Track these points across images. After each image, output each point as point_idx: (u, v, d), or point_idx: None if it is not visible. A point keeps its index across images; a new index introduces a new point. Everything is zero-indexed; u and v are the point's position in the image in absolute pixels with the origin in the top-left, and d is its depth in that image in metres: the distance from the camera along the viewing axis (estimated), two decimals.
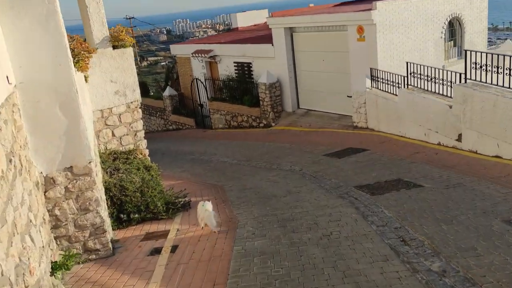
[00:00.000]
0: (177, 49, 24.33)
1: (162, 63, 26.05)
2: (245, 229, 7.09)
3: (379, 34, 14.62)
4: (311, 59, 17.55)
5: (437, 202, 7.20)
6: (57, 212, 6.14)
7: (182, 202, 9.02)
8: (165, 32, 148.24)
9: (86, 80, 8.57)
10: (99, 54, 9.32)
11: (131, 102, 9.78)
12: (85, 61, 6.33)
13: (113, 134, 9.62)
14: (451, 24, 17.30)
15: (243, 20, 25.49)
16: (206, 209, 7.26)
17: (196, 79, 21.89)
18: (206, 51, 21.22)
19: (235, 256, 5.95)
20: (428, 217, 6.55)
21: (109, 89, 9.46)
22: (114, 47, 9.56)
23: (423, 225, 6.25)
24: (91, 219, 6.37)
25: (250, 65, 19.88)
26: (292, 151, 13.78)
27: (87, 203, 6.31)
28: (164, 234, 7.43)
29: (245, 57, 19.84)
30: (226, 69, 20.50)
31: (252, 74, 19.85)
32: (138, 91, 9.86)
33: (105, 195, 8.20)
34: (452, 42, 17.51)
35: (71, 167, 6.11)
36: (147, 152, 10.26)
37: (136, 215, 8.34)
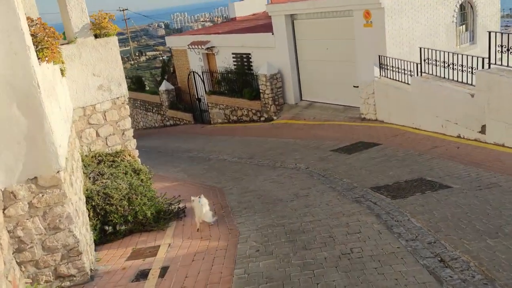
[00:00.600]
0: (173, 41, 23.13)
1: (160, 58, 24.89)
2: (247, 244, 5.98)
3: (388, 19, 13.42)
4: (314, 48, 16.36)
5: (473, 207, 6.07)
6: (20, 232, 5.03)
7: (175, 210, 7.92)
8: (163, 27, 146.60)
9: (62, 74, 7.42)
10: (78, 44, 8.18)
11: (117, 98, 8.64)
12: (52, 49, 5.21)
13: (98, 134, 8.49)
14: (462, 7, 16.08)
15: (241, 10, 24.24)
16: (201, 204, 7.08)
17: (193, 72, 20.71)
18: (202, 43, 20.03)
19: (236, 284, 4.84)
20: (467, 227, 5.43)
21: (92, 83, 8.32)
22: (96, 36, 8.40)
23: (462, 238, 5.13)
24: (62, 240, 5.26)
25: (249, 56, 18.70)
26: (296, 147, 12.65)
27: (57, 221, 5.19)
28: (154, 252, 6.32)
29: (244, 47, 18.65)
30: (224, 61, 19.31)
31: (251, 66, 18.68)
32: (124, 85, 8.72)
33: (87, 204, 7.10)
34: (463, 26, 16.30)
35: (35, 178, 4.99)
36: (136, 153, 9.13)
37: (123, 227, 7.24)
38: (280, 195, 8.24)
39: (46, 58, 5.24)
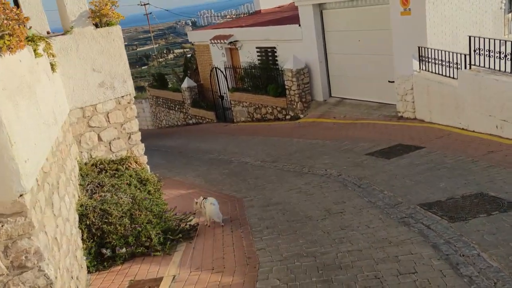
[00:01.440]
0: (195, 36, 21.94)
1: (188, 55, 23.99)
2: (269, 283, 4.66)
3: (429, 6, 11.83)
4: (344, 40, 14.88)
5: None
6: None
7: (186, 228, 6.66)
8: (190, 24, 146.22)
9: (53, 69, 6.23)
10: (75, 35, 6.99)
11: (122, 97, 7.43)
12: (18, 36, 4.02)
13: (100, 138, 7.30)
14: None
15: (266, 2, 22.84)
16: (211, 202, 6.83)
17: (216, 68, 19.47)
18: (225, 37, 18.75)
19: None
20: None
21: (92, 80, 7.12)
22: (97, 26, 7.21)
23: None
24: (30, 281, 4.05)
25: (274, 50, 17.32)
26: (326, 149, 11.25)
27: (23, 257, 3.98)
28: (155, 286, 5.08)
29: (269, 41, 17.28)
30: (248, 56, 17.99)
31: (276, 60, 17.30)
32: (130, 82, 7.49)
33: (81, 224, 5.92)
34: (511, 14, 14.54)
35: None
36: (144, 159, 7.92)
37: (123, 250, 6.03)
38: (309, 211, 6.88)
39: (10, 48, 4.01)
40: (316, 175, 9.24)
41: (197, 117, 21.22)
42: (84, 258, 5.70)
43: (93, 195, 6.35)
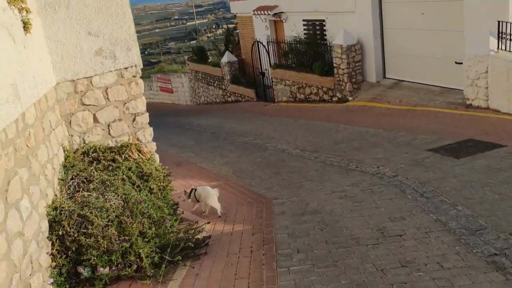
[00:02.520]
0: (237, 7, 20.11)
1: (231, 27, 22.37)
2: None
3: None
4: (404, 12, 12.68)
5: None
6: None
7: (193, 241, 5.06)
8: None
9: (26, 29, 4.68)
10: None
11: (125, 69, 5.83)
12: None
13: (96, 119, 5.77)
14: None
15: None
16: (208, 192, 6.32)
17: (258, 42, 17.62)
18: (270, 7, 16.85)
19: None
20: None
21: (86, 46, 5.56)
22: None
23: None
24: None
25: (323, 23, 15.30)
26: (378, 140, 9.34)
27: None
28: None
29: (317, 13, 15.25)
30: (293, 29, 16.03)
31: (325, 35, 15.28)
32: (136, 50, 5.88)
33: (50, 234, 4.45)
34: None
35: None
36: (153, 147, 6.34)
37: (106, 270, 4.53)
38: (356, 228, 5.12)
39: None
40: (365, 173, 7.42)
41: (236, 94, 19.58)
42: (50, 281, 4.23)
43: (75, 195, 4.85)
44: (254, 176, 8.29)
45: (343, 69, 13.72)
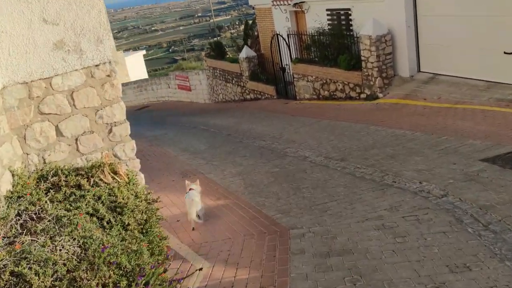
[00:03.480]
0: None
1: (250, 21, 20.96)
2: None
3: None
4: None
5: None
6: None
7: None
8: None
9: None
10: None
11: (96, 66, 4.47)
12: None
13: (59, 132, 4.44)
14: None
15: None
16: (192, 199, 5.85)
17: (278, 35, 16.11)
18: None
19: None
20: None
21: (42, 38, 4.22)
22: None
23: None
24: None
25: (349, 12, 13.69)
26: (417, 146, 7.78)
27: None
28: None
29: (342, 1, 13.66)
30: (316, 20, 14.47)
31: (351, 25, 13.69)
32: (110, 43, 4.50)
33: None
34: None
35: None
36: (136, 164, 4.96)
37: None
38: (402, 285, 3.64)
39: None
40: (405, 191, 5.91)
41: (255, 91, 18.14)
42: None
43: (16, 240, 3.52)
44: (269, 193, 6.86)
45: (372, 63, 12.12)
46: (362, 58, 12.38)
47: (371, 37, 11.87)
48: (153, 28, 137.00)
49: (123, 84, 31.17)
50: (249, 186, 7.38)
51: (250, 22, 20.98)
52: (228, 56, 20.73)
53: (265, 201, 6.49)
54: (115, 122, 4.67)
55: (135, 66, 38.66)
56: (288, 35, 15.41)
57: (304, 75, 14.83)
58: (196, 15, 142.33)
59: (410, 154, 7.43)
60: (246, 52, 18.17)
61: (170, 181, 8.59)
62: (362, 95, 12.76)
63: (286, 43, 15.45)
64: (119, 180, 4.41)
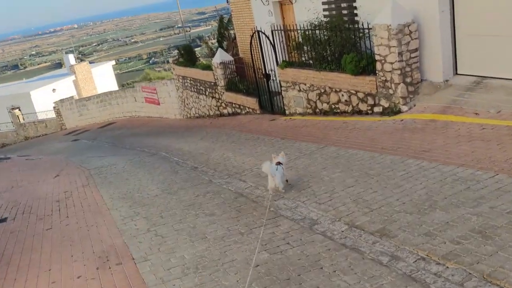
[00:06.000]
0: None
1: (225, 19, 17.45)
2: None
3: None
4: None
5: None
6: None
7: None
8: None
9: None
10: None
11: None
12: None
13: None
14: None
15: None
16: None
17: (259, 32, 12.35)
18: None
19: None
20: None
21: None
22: None
23: None
24: None
25: None
26: (503, 203, 4.10)
27: None
28: None
29: None
30: (309, 10, 10.84)
31: (355, 15, 10.07)
32: None
33: None
34: None
35: None
36: None
37: None
38: None
39: None
40: None
41: (233, 105, 14.38)
42: None
43: None
44: None
45: (391, 63, 8.46)
46: (377, 57, 8.72)
47: (391, 27, 8.22)
48: (132, 40, 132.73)
49: (85, 98, 27.14)
50: None
51: (226, 20, 17.21)
52: (200, 62, 16.94)
53: None
54: None
55: (104, 78, 34.67)
56: (272, 31, 11.67)
57: (295, 83, 11.12)
58: (176, 26, 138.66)
59: (501, 221, 3.74)
60: (220, 56, 14.42)
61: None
62: (377, 108, 9.10)
63: (270, 43, 11.72)
64: None
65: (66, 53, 43.79)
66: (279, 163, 6.04)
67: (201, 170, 8.72)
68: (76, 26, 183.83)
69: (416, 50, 8.52)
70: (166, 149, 11.93)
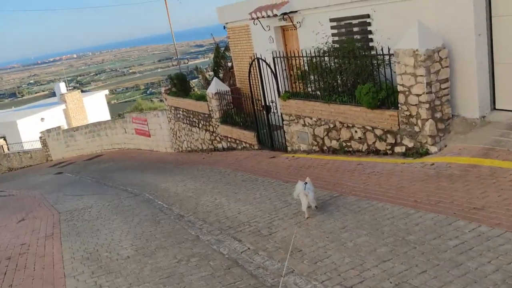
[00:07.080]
0: (228, 14, 13.65)
1: (222, 47, 16.47)
2: None
3: None
4: None
5: None
6: None
7: None
8: None
9: None
10: None
11: None
12: None
13: None
14: None
15: None
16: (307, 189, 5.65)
17: (259, 59, 10.95)
18: (275, 6, 10.37)
19: None
20: None
21: None
22: None
23: None
24: None
25: (367, 21, 8.74)
26: None
27: None
28: None
29: (356, 4, 8.74)
30: (317, 34, 9.50)
31: (370, 40, 8.71)
32: None
33: None
34: None
35: None
36: None
37: None
38: None
39: None
40: None
41: (228, 138, 12.87)
42: None
43: None
44: None
45: (418, 95, 7.01)
46: (399, 88, 7.27)
47: (418, 52, 6.80)
48: (130, 71, 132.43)
49: (73, 129, 25.60)
50: None
51: (223, 49, 15.87)
52: (193, 92, 15.52)
53: None
54: None
55: (96, 107, 33.30)
56: (273, 59, 10.26)
57: (299, 116, 9.65)
58: (174, 58, 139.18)
59: None
60: (216, 85, 13.00)
61: None
62: (398, 148, 7.59)
63: (272, 71, 10.29)
64: None
65: (55, 81, 42.56)
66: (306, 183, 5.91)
67: (188, 220, 7.12)
68: (75, 56, 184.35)
69: (446, 80, 7.08)
70: (150, 189, 10.33)
